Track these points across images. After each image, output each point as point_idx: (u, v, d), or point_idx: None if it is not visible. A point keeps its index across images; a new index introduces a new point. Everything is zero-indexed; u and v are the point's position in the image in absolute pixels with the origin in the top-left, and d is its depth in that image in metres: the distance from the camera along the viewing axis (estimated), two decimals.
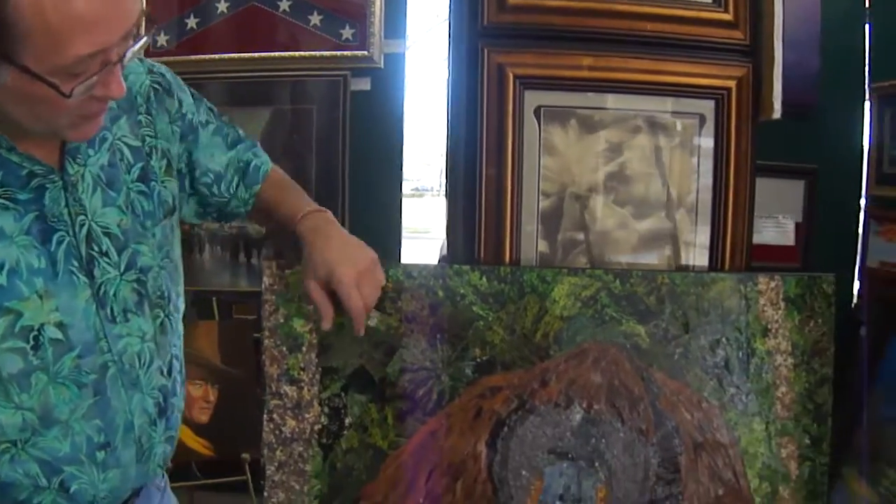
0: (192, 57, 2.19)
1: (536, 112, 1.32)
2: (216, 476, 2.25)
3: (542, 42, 1.31)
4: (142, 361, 0.95)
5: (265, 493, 1.24)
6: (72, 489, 0.90)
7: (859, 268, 1.92)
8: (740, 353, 1.28)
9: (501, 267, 1.26)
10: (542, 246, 1.34)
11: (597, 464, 1.23)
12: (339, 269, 1.05)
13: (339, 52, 2.20)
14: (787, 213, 1.94)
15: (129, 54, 0.80)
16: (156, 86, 1.02)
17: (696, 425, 1.25)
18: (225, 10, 2.22)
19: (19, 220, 0.84)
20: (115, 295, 0.92)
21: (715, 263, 1.36)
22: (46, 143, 0.87)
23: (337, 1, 2.20)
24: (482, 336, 1.24)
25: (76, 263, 0.88)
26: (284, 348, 1.23)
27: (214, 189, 1.12)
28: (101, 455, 0.91)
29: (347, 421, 1.23)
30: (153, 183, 0.99)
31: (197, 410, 2.23)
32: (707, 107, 1.34)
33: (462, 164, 1.33)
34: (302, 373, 1.23)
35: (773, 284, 1.29)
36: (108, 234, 0.92)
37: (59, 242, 0.87)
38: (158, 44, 2.22)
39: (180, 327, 1.06)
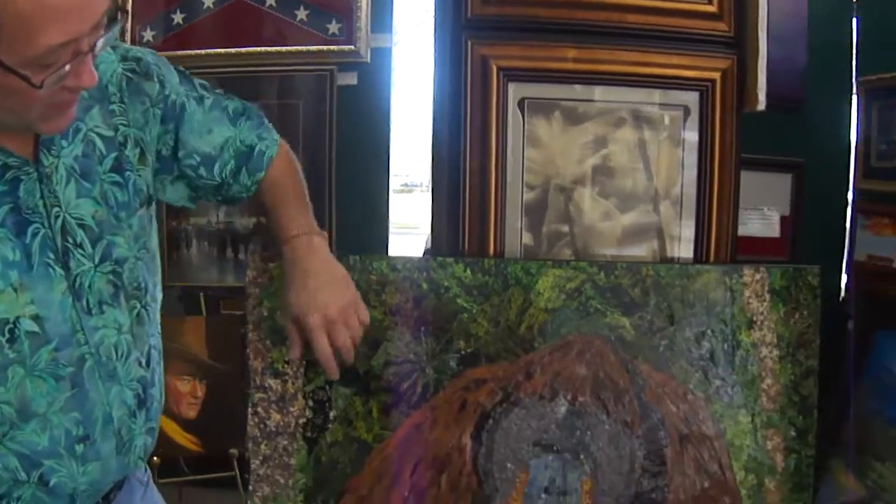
0: (179, 52, 2.16)
1: (520, 104, 1.32)
2: (204, 472, 2.26)
3: (526, 34, 1.31)
4: (119, 353, 0.94)
5: (250, 487, 1.24)
6: (51, 483, 0.89)
7: (847, 261, 1.93)
8: (725, 345, 1.28)
9: (486, 259, 1.26)
10: (527, 238, 1.33)
11: (582, 456, 1.23)
12: (307, 316, 1.05)
13: (325, 47, 2.19)
14: (774, 206, 1.94)
15: (99, 43, 0.79)
16: (129, 73, 1.00)
17: (682, 417, 1.25)
18: (211, 6, 2.21)
19: None
20: (90, 287, 0.91)
21: (700, 256, 1.36)
22: (20, 136, 0.86)
23: None
24: (466, 328, 1.23)
25: (52, 256, 0.87)
26: (268, 341, 1.23)
27: (202, 171, 1.08)
28: (80, 448, 0.91)
29: (332, 414, 1.23)
30: (128, 173, 0.98)
31: (185, 406, 2.22)
32: (691, 99, 1.34)
33: (446, 156, 1.32)
34: (286, 366, 1.23)
35: (758, 276, 1.29)
36: (82, 226, 0.91)
37: (35, 235, 0.86)
38: (144, 39, 2.21)
39: (158, 318, 1.04)
